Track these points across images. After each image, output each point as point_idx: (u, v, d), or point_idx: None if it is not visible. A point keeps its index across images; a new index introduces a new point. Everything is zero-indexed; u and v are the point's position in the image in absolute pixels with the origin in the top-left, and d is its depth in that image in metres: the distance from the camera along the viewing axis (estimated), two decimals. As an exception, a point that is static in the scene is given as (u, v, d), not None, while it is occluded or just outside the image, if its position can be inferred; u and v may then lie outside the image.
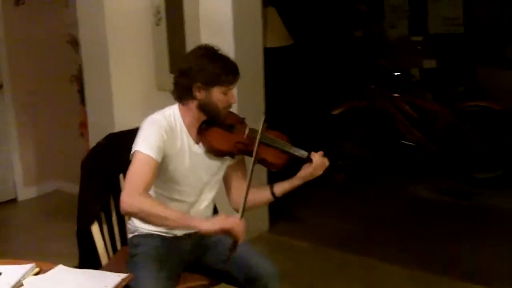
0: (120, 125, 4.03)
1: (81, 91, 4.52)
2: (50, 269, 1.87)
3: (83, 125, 4.55)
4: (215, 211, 2.67)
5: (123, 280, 1.79)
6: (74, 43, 4.80)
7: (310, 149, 2.42)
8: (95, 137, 3.65)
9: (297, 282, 3.62)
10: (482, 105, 5.10)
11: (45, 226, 4.61)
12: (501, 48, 5.84)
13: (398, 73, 5.75)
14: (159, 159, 2.23)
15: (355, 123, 5.57)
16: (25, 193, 5.19)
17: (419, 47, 6.19)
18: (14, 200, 5.14)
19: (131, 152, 2.23)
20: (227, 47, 3.80)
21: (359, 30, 6.56)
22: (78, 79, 4.87)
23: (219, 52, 2.37)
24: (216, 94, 2.32)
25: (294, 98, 5.67)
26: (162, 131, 2.27)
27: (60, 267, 1.87)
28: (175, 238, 2.42)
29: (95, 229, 2.52)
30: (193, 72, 2.31)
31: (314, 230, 4.40)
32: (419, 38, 6.20)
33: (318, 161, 2.37)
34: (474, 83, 5.75)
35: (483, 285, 3.49)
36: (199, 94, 2.33)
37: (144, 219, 2.19)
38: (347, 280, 3.66)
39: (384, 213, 4.74)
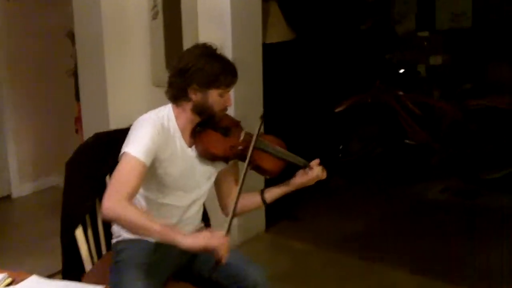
0: (115, 122, 3.95)
1: (76, 86, 4.44)
2: (23, 279, 1.77)
3: (78, 121, 4.47)
4: (205, 216, 2.56)
5: (97, 293, 1.69)
6: (72, 37, 4.70)
7: (313, 147, 2.35)
8: (89, 134, 3.58)
9: (294, 282, 3.54)
10: (489, 103, 4.97)
11: (40, 223, 4.53)
12: (511, 44, 5.68)
13: (403, 70, 5.61)
14: (149, 163, 2.12)
15: (360, 120, 5.45)
16: (20, 189, 5.10)
17: (425, 43, 6.05)
18: (8, 197, 5.06)
19: (121, 153, 2.12)
20: (225, 42, 3.73)
21: (365, 24, 6.42)
22: (75, 74, 4.77)
23: (218, 52, 2.26)
24: (213, 96, 2.22)
25: (296, 95, 5.54)
26: (155, 131, 2.16)
27: (33, 278, 1.77)
28: (160, 243, 2.32)
29: (79, 233, 2.43)
30: (190, 72, 2.19)
31: (311, 230, 4.30)
32: (426, 34, 6.06)
33: (315, 173, 2.32)
34: (483, 80, 5.60)
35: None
36: (195, 96, 2.22)
37: (125, 227, 2.10)
38: (345, 281, 3.57)
39: (385, 213, 4.62)
